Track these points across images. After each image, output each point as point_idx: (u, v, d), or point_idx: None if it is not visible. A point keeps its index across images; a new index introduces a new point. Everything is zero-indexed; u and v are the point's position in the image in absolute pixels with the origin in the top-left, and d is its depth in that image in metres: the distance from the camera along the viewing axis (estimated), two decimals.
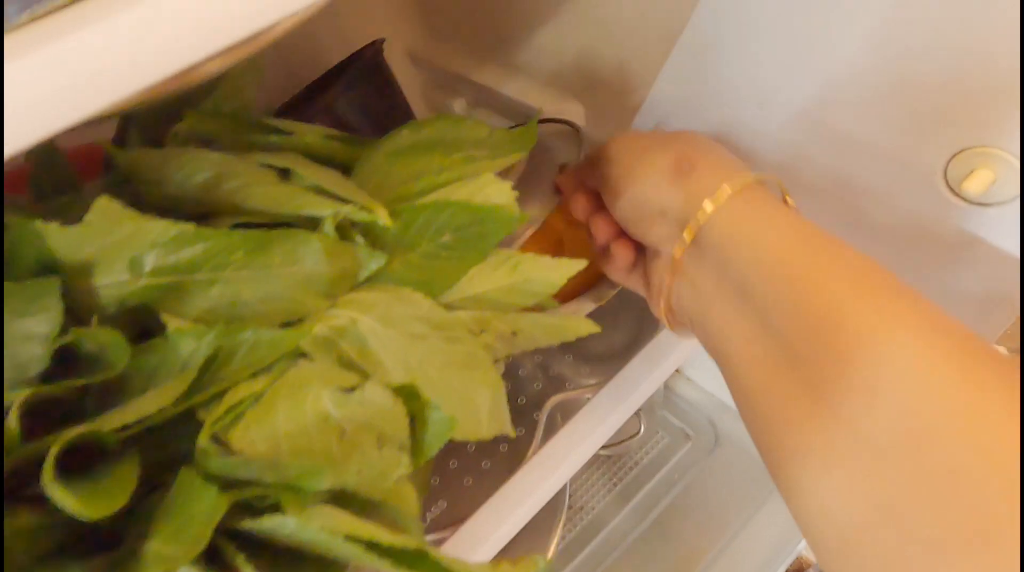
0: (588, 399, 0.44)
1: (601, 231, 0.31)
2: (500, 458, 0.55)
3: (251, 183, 0.24)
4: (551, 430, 0.45)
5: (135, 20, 0.15)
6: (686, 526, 0.72)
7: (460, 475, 0.54)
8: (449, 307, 0.26)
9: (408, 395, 0.21)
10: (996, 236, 0.35)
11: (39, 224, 0.19)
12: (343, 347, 0.22)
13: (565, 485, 0.47)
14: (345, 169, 0.28)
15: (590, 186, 0.32)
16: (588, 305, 0.40)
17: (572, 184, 0.34)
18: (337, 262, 0.23)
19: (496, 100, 0.62)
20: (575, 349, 0.57)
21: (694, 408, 0.77)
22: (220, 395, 0.20)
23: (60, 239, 0.20)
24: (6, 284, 0.20)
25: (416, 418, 0.21)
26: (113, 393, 0.20)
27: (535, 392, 0.55)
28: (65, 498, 0.16)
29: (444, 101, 0.70)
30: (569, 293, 0.42)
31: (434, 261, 0.25)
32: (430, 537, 0.37)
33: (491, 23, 0.58)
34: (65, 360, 0.20)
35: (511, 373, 0.55)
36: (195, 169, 0.24)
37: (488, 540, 0.34)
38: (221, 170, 0.24)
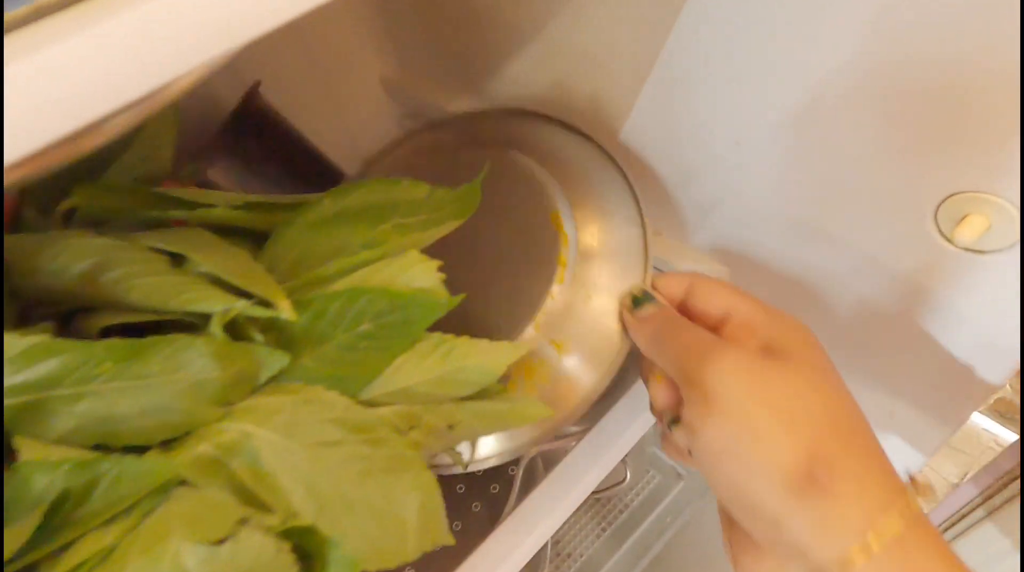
0: (572, 447, 0.41)
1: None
2: (473, 519, 0.52)
3: (136, 274, 0.21)
4: (531, 482, 0.42)
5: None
6: (682, 570, 0.68)
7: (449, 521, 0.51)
8: (371, 404, 0.23)
9: (301, 535, 0.17)
10: (992, 285, 0.32)
11: None
12: (234, 468, 0.19)
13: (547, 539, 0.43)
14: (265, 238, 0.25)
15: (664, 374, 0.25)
16: None
17: (645, 368, 0.27)
18: (230, 365, 0.20)
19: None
20: None
21: None
22: (69, 546, 0.16)
23: None
24: None
25: (315, 559, 0.18)
26: None
27: None
28: None
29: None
30: None
31: (352, 353, 0.22)
32: None
33: (463, 53, 0.55)
34: None
35: None
36: (73, 257, 0.21)
37: None
38: (103, 258, 0.21)
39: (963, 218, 0.30)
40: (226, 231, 0.26)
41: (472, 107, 0.58)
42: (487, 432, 0.25)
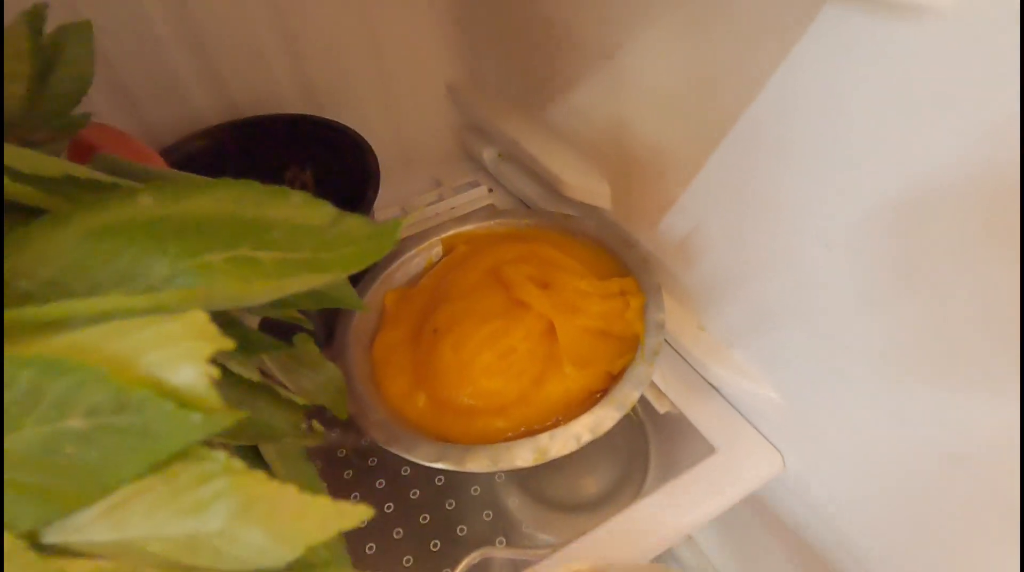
0: (527, 564, 0.32)
1: None
2: None
3: None
4: None
5: None
6: None
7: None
8: (60, 553, 0.13)
9: None
10: None
11: None
12: None
13: None
14: None
15: None
16: (612, 413, 0.31)
17: None
18: None
19: (524, 158, 0.50)
20: (529, 485, 0.43)
21: None
22: None
23: None
24: None
25: None
26: None
27: (455, 538, 0.40)
28: None
29: (476, 147, 0.59)
30: (583, 399, 0.32)
31: (46, 460, 0.13)
32: None
33: (533, 74, 0.47)
34: None
35: (430, 500, 0.41)
36: None
37: None
38: None
39: None
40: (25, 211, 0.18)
41: (529, 131, 0.49)
42: None
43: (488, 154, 0.60)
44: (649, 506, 0.33)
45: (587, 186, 0.44)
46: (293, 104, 0.51)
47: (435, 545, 0.39)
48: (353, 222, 0.19)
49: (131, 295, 0.14)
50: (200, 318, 0.13)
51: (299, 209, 0.18)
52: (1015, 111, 0.17)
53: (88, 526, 0.13)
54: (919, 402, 0.24)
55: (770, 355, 0.32)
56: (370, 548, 0.39)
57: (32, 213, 0.18)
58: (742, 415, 0.37)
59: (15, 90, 0.21)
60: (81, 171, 0.18)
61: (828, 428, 0.30)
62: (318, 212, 0.19)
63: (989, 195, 0.18)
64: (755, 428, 0.36)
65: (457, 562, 0.36)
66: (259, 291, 0.16)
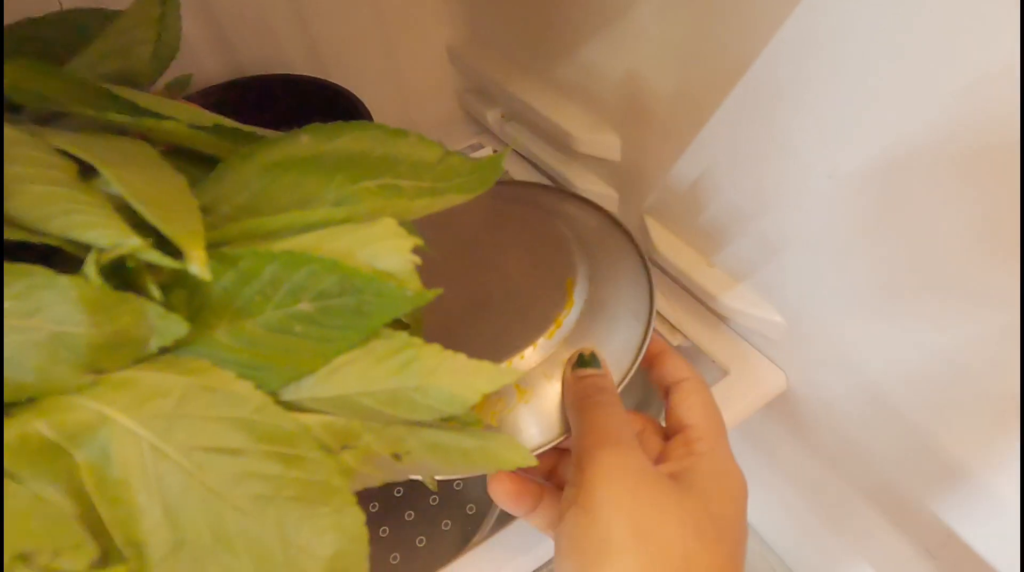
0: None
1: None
2: (441, 538, 0.46)
3: (27, 177, 0.16)
4: None
5: None
6: None
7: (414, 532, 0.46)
8: (294, 408, 0.17)
9: None
10: None
11: None
12: (79, 463, 0.14)
13: None
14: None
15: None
16: None
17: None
18: (105, 321, 0.14)
19: (531, 116, 0.53)
20: None
21: None
22: None
23: None
24: None
25: None
26: None
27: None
28: None
29: (479, 108, 0.62)
30: None
31: (281, 337, 0.16)
32: None
33: (535, 30, 0.50)
34: None
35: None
36: None
37: None
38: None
39: None
40: (193, 159, 0.21)
41: (535, 89, 0.53)
42: (445, 471, 0.20)
43: (492, 115, 0.63)
44: None
45: (597, 140, 0.48)
46: (299, 67, 0.53)
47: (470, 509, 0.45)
48: (456, 159, 0.23)
49: (333, 207, 0.17)
50: (392, 222, 0.17)
51: (415, 147, 0.22)
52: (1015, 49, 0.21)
53: (315, 387, 0.17)
54: (916, 317, 0.29)
55: (776, 283, 0.37)
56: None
57: (197, 156, 0.21)
58: (748, 341, 0.42)
59: (142, 52, 0.23)
60: (227, 122, 0.22)
61: (829, 346, 0.36)
62: (429, 150, 0.22)
63: (985, 132, 0.23)
64: (760, 352, 0.42)
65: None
66: (402, 210, 0.20)
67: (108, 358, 0.15)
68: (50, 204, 0.15)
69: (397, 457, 0.18)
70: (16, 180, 0.16)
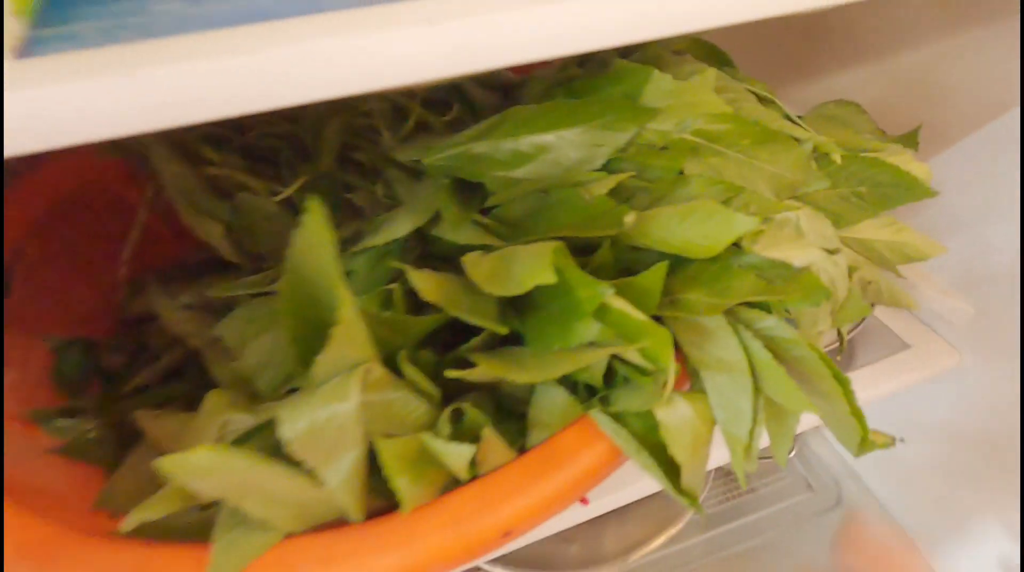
0: None
1: None
2: None
3: (742, 98, 0.32)
4: None
5: None
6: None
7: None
8: (841, 239, 0.33)
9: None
10: None
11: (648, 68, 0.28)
12: (785, 230, 0.30)
13: None
14: None
15: None
16: None
17: None
18: (800, 172, 0.30)
19: None
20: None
21: (822, 464, 0.76)
22: None
23: (657, 86, 0.28)
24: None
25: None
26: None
27: None
28: None
29: None
30: None
31: (844, 203, 0.32)
32: None
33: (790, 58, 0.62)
34: None
35: None
36: None
37: None
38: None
39: None
40: None
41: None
42: (879, 300, 0.35)
43: None
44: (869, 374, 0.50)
45: None
46: None
47: None
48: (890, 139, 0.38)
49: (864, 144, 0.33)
50: (911, 155, 0.33)
51: (866, 123, 0.38)
52: None
53: (853, 231, 0.33)
54: None
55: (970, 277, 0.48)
56: None
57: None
58: (925, 323, 0.52)
59: None
60: None
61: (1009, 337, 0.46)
62: (869, 125, 0.38)
63: None
64: (935, 331, 0.51)
65: None
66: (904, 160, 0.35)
67: (787, 192, 0.31)
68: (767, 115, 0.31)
69: (869, 284, 0.33)
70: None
